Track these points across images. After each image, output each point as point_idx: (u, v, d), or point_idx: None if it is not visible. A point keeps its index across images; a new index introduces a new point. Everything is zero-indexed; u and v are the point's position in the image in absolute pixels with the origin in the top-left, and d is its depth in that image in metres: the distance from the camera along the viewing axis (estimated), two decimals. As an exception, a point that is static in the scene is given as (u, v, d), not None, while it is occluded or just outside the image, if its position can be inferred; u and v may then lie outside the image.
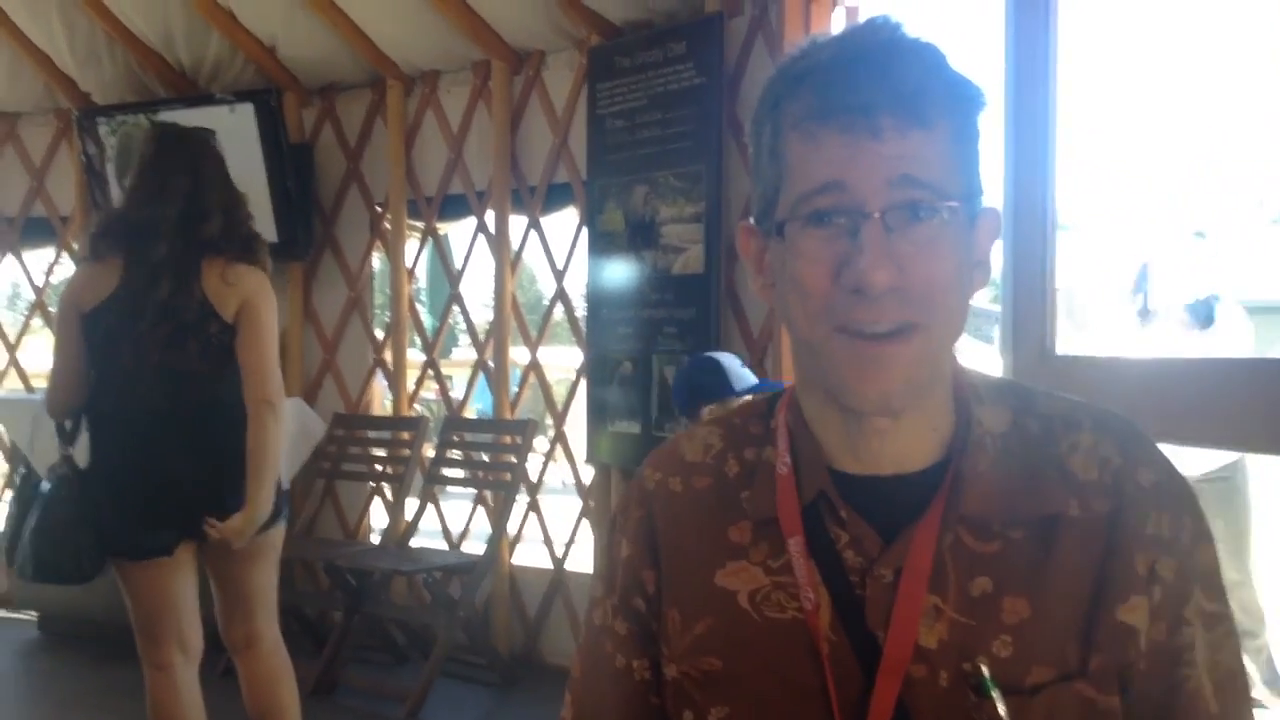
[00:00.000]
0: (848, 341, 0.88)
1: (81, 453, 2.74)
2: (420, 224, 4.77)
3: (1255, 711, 0.95)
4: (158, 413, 2.62)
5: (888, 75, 0.86)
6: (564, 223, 4.47)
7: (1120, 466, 0.93)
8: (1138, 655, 0.90)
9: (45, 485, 2.72)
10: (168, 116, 4.79)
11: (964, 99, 0.90)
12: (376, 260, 5.06)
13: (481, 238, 4.58)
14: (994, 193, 1.01)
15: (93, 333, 2.62)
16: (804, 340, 0.93)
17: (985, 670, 0.88)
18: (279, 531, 2.79)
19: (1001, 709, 0.87)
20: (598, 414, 4.10)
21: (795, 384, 1.01)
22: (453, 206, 4.70)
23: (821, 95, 0.87)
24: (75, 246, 5.40)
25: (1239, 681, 0.94)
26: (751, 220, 0.97)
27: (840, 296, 0.87)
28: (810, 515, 0.94)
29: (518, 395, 4.74)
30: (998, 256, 0.97)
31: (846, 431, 0.94)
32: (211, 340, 2.63)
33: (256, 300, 2.67)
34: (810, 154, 0.88)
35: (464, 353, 8.01)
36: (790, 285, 0.91)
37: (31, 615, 4.87)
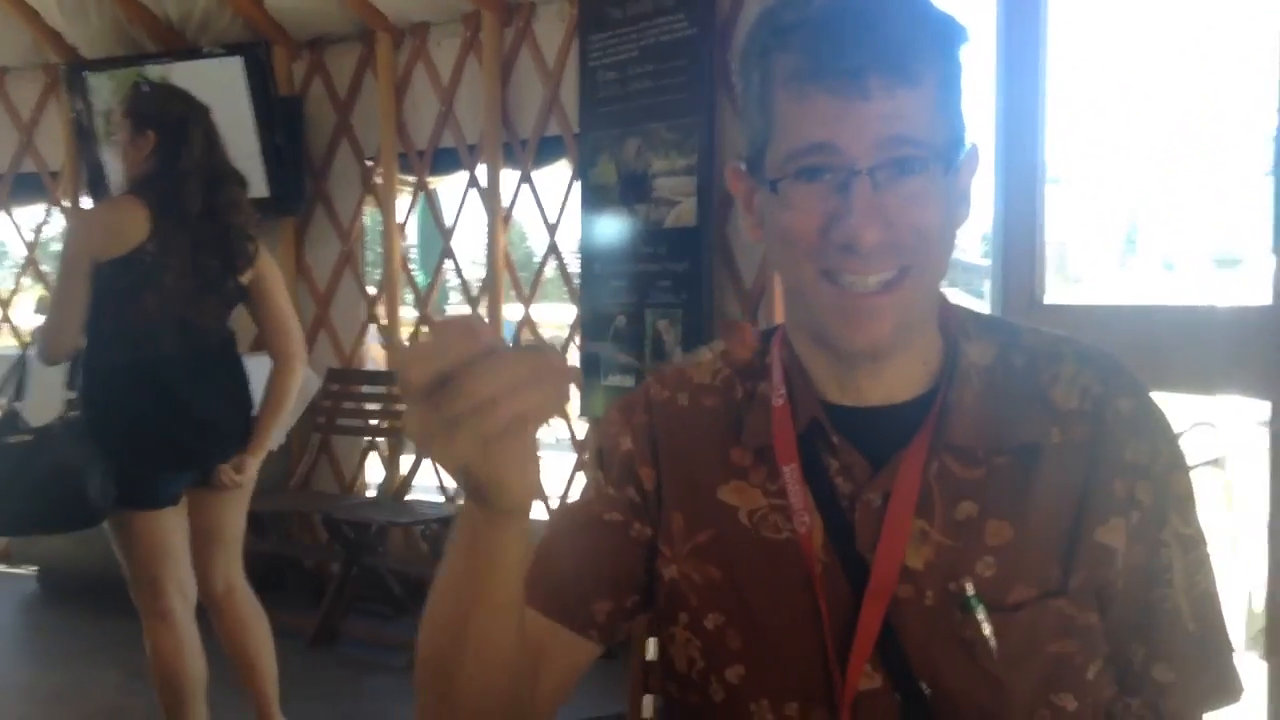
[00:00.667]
0: (835, 290, 0.91)
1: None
2: (411, 179, 4.77)
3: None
4: (177, 363, 2.70)
5: (875, 32, 0.87)
6: (556, 177, 4.48)
7: (1100, 395, 0.96)
8: (1116, 575, 0.94)
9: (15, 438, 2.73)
10: (156, 70, 4.77)
11: (949, 42, 0.92)
12: (367, 216, 5.06)
13: (473, 192, 4.58)
14: (985, 146, 1.04)
15: (112, 281, 2.64)
16: (793, 284, 0.96)
17: (970, 589, 0.92)
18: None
19: (985, 626, 0.91)
20: (591, 368, 4.13)
21: (787, 324, 1.04)
22: (444, 161, 4.69)
23: (811, 55, 0.89)
24: (65, 202, 5.39)
25: (1214, 602, 0.98)
26: (741, 163, 1.00)
27: (829, 250, 0.90)
28: (804, 444, 0.98)
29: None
30: (979, 195, 1.00)
31: (836, 371, 0.98)
32: (228, 298, 2.77)
33: (265, 263, 2.84)
34: (799, 113, 0.90)
35: (456, 310, 8.01)
36: (780, 233, 0.93)
37: (31, 570, 4.92)
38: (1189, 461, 1.00)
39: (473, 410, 0.66)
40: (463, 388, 0.65)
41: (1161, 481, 0.96)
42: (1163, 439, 0.97)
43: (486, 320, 4.39)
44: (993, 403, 0.97)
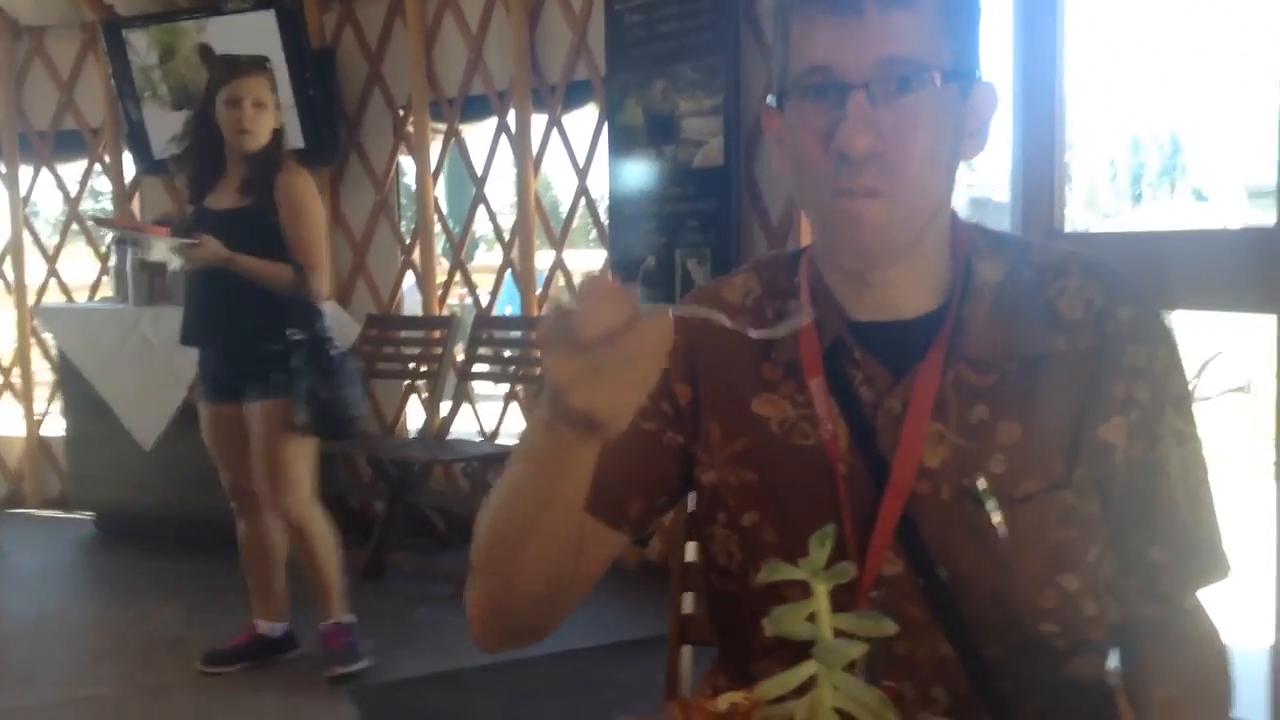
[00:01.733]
0: (837, 203, 0.99)
1: None
2: (442, 126, 4.84)
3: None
4: None
5: None
6: (584, 121, 4.54)
7: (1103, 306, 1.04)
8: (1116, 468, 1.02)
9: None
10: (191, 26, 4.86)
11: None
12: (400, 164, 5.14)
13: (503, 139, 4.65)
14: (1003, 76, 1.11)
15: None
16: (808, 204, 1.04)
17: (982, 484, 1.00)
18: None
19: (996, 516, 1.00)
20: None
21: (813, 245, 1.12)
22: (474, 108, 4.75)
23: None
24: (106, 158, 5.51)
25: (1206, 491, 1.06)
26: (770, 99, 1.08)
27: (830, 162, 0.97)
28: (829, 357, 1.06)
29: (544, 295, 4.85)
30: (1000, 132, 1.07)
31: (851, 286, 1.06)
32: None
33: None
34: (806, 36, 0.99)
35: (485, 259, 8.07)
36: (794, 155, 1.02)
37: (88, 515, 5.10)
38: (1209, 381, 1.07)
39: (625, 361, 0.81)
40: (619, 344, 0.80)
41: (1159, 382, 1.03)
42: (1161, 343, 1.05)
43: (519, 266, 4.47)
44: (1004, 315, 1.04)
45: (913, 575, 1.01)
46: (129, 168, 5.42)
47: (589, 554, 1.09)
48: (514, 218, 4.78)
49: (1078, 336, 1.03)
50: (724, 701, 0.88)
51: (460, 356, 4.83)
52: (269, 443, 3.19)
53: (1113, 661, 1.09)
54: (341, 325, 4.94)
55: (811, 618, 0.72)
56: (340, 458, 4.96)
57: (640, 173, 4.09)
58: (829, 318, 1.07)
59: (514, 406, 4.74)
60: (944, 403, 1.02)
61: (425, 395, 4.85)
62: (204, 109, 3.20)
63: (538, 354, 4.42)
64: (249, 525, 3.39)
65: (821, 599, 0.69)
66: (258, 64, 3.22)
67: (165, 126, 5.05)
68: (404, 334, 5.03)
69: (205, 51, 3.43)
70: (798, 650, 0.99)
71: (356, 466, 4.94)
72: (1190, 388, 1.07)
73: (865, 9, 0.95)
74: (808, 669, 0.71)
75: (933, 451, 1.02)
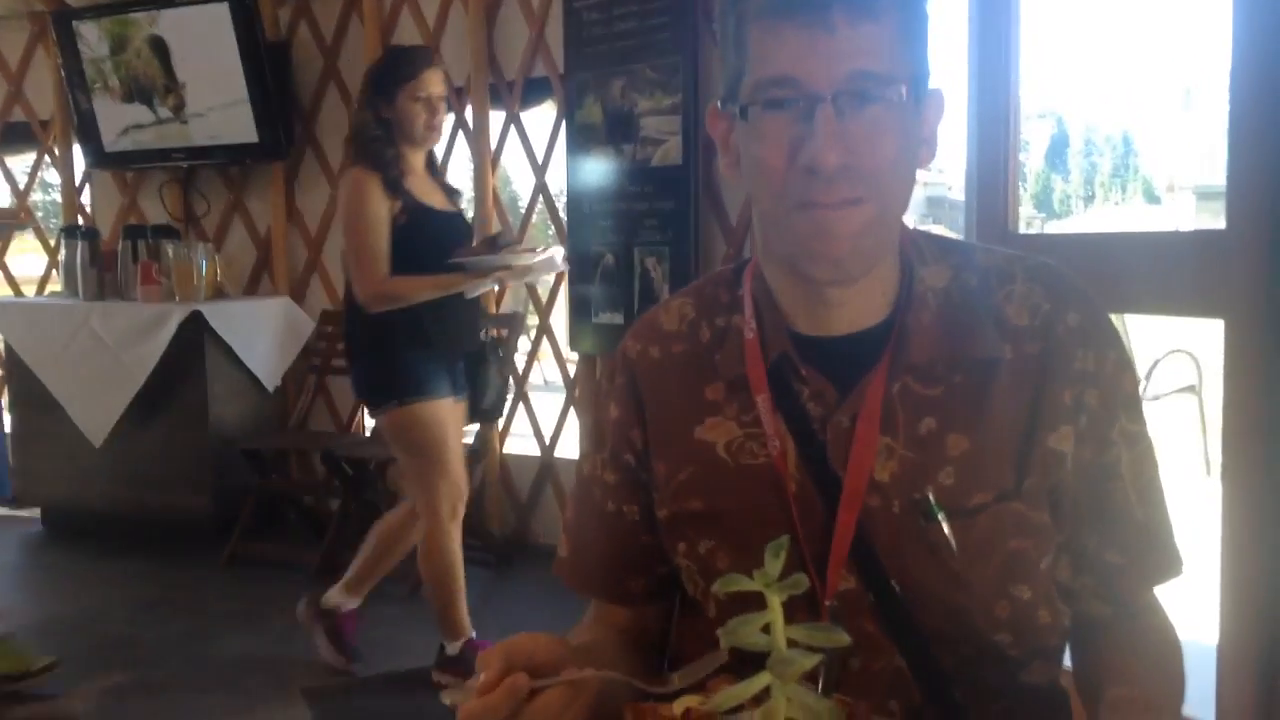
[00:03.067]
0: (805, 214, 0.98)
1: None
2: (400, 121, 4.80)
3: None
4: None
5: None
6: (542, 118, 4.52)
7: (1049, 311, 1.04)
8: (1065, 476, 1.03)
9: None
10: (144, 17, 4.79)
11: None
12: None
13: (460, 135, 4.62)
14: (958, 79, 1.11)
15: None
16: (767, 216, 1.03)
17: (931, 497, 1.00)
18: (386, 419, 3.06)
19: (945, 528, 1.00)
20: (581, 307, 4.21)
21: (758, 256, 1.11)
22: (431, 103, 4.72)
23: None
24: (56, 151, 5.42)
25: (1158, 490, 1.07)
26: (718, 103, 1.07)
27: (796, 176, 0.96)
28: (775, 373, 1.06)
29: (501, 291, 4.84)
30: (946, 136, 1.07)
31: (805, 300, 1.05)
32: None
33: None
34: (769, 46, 0.97)
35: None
36: (753, 165, 1.01)
37: (34, 512, 5.01)
38: (1156, 381, 1.09)
39: None
40: None
41: (1109, 385, 1.04)
42: (1109, 345, 1.05)
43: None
44: (949, 322, 1.04)
45: (865, 590, 1.01)
46: (79, 160, 5.34)
47: (632, 623, 1.17)
48: (471, 213, 4.75)
49: (1024, 343, 1.03)
50: (679, 706, 0.88)
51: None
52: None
53: (1066, 662, 1.09)
54: (296, 321, 4.90)
55: (766, 629, 0.71)
56: (295, 455, 4.92)
57: (599, 170, 4.09)
58: (773, 332, 1.07)
59: (471, 404, 4.72)
60: (892, 415, 1.02)
61: (381, 392, 4.80)
62: (374, 103, 3.03)
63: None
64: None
65: (776, 610, 0.69)
66: (435, 56, 3.16)
67: (116, 118, 4.99)
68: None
69: (393, 51, 3.23)
70: (755, 668, 0.99)
71: (311, 464, 4.90)
72: (1140, 388, 1.08)
73: (835, 23, 0.94)
74: (762, 680, 0.71)
75: (882, 465, 1.01)
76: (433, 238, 3.03)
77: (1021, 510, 1.01)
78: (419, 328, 2.97)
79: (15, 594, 4.36)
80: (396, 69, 3.04)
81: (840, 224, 0.97)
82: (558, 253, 3.19)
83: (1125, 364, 1.06)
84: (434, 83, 3.02)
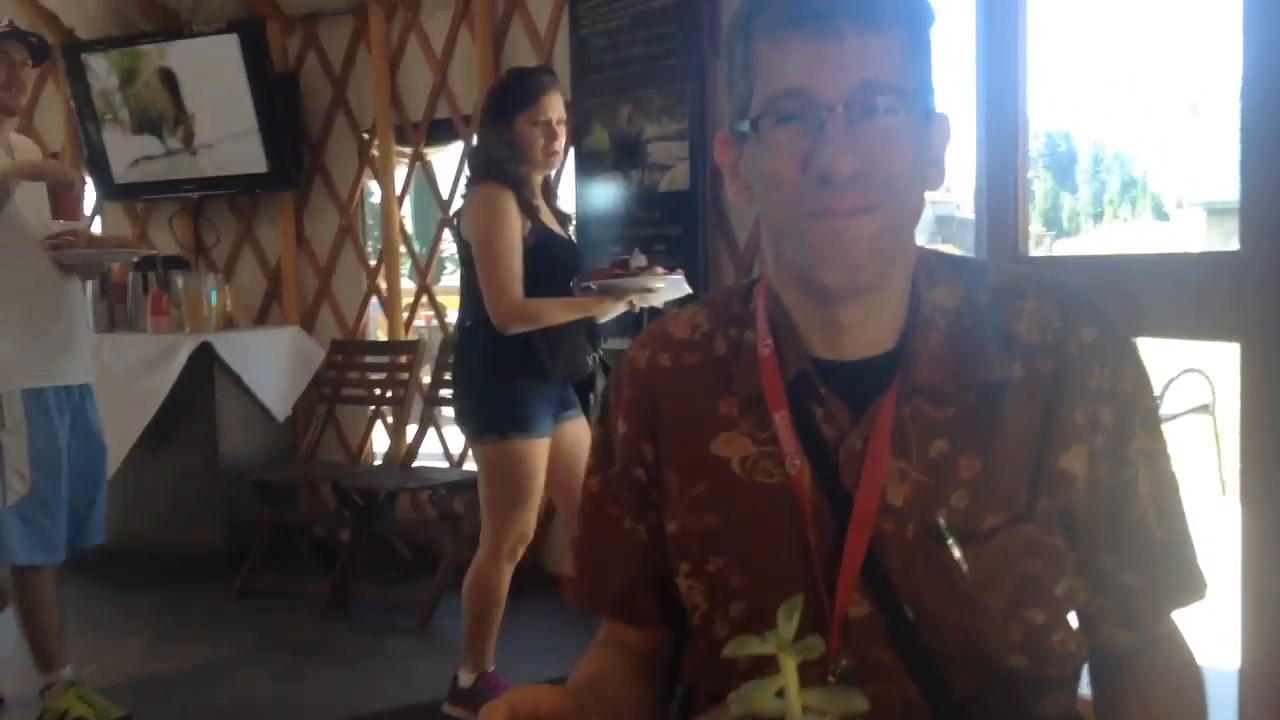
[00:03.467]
0: (819, 222, 0.97)
1: None
2: (408, 150, 4.82)
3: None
4: None
5: None
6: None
7: (1061, 328, 1.03)
8: (1078, 497, 1.01)
9: None
10: (153, 49, 4.82)
11: (916, 11, 1.00)
12: (365, 188, 5.11)
13: (468, 162, 4.62)
14: (966, 99, 1.11)
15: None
16: (779, 228, 1.02)
17: (942, 521, 0.99)
18: (482, 449, 3.01)
19: (957, 553, 0.98)
20: (588, 332, 4.19)
21: (771, 276, 1.10)
22: (439, 131, 4.73)
23: (789, 4, 0.97)
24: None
25: (1179, 509, 1.05)
26: (727, 130, 1.06)
27: (809, 185, 0.96)
28: (791, 392, 1.05)
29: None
30: (967, 156, 1.07)
31: (818, 321, 1.04)
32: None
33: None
34: (778, 60, 0.97)
35: (452, 280, 8.04)
36: (764, 179, 1.00)
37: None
38: (1170, 400, 1.06)
39: None
40: None
41: (1127, 402, 1.02)
42: (1127, 361, 1.03)
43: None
44: (958, 345, 1.03)
45: (878, 615, 1.00)
46: (90, 191, 5.36)
47: (649, 643, 1.15)
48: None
49: (1036, 361, 1.02)
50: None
51: (427, 381, 4.79)
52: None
53: (1084, 689, 1.07)
54: (306, 351, 4.90)
55: (780, 693, 0.69)
56: (305, 486, 4.91)
57: (607, 196, 4.09)
58: (791, 349, 1.06)
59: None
60: (904, 438, 1.01)
61: (391, 421, 4.80)
62: (495, 126, 2.99)
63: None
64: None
65: (790, 674, 0.67)
66: (555, 79, 3.11)
67: (126, 150, 5.02)
68: (369, 359, 4.99)
69: (512, 74, 3.19)
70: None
71: (321, 495, 4.88)
72: (1158, 405, 1.06)
73: (843, 32, 0.95)
74: None
75: (895, 489, 1.00)
76: (555, 264, 3.01)
77: (1035, 533, 1.00)
78: (535, 357, 2.93)
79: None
80: (515, 93, 3.00)
81: (853, 230, 0.97)
82: (681, 277, 3.14)
83: (1143, 380, 1.05)
84: (553, 107, 2.98)
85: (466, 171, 3.29)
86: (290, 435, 4.92)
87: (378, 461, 4.95)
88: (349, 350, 4.92)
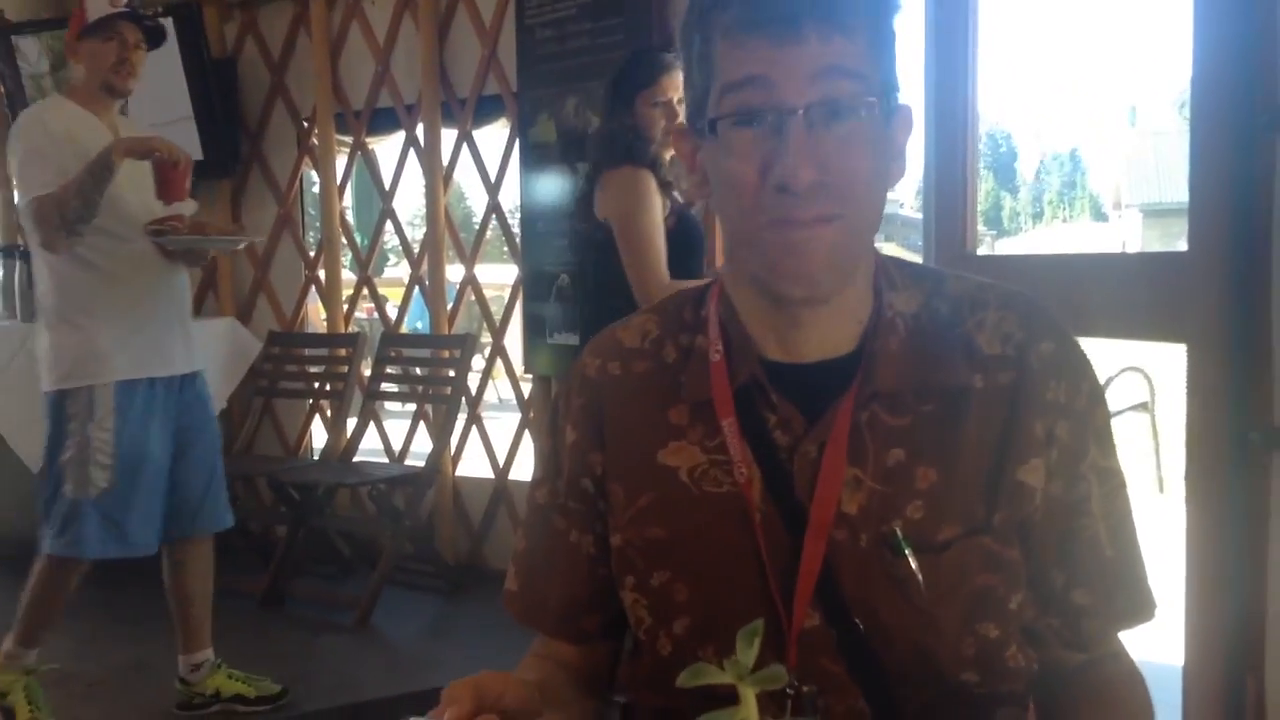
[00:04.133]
0: (777, 232, 0.94)
1: None
2: (349, 139, 4.73)
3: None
4: None
5: None
6: (495, 136, 4.47)
7: (1022, 340, 1.01)
8: (1034, 510, 0.99)
9: None
10: (84, 31, 4.67)
11: (882, 3, 0.96)
12: (304, 177, 5.01)
13: (412, 153, 4.56)
14: (915, 99, 1.08)
15: None
16: (737, 234, 1.00)
17: (899, 531, 0.97)
18: None
19: (913, 563, 0.96)
20: (535, 327, 4.15)
21: (725, 278, 1.07)
22: (382, 121, 4.66)
23: (748, 6, 0.92)
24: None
25: (1130, 528, 1.04)
26: (685, 123, 1.03)
27: (768, 193, 0.93)
28: (741, 399, 1.02)
29: (454, 310, 4.77)
30: (915, 154, 1.04)
31: (774, 323, 1.02)
32: None
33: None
34: (737, 56, 0.94)
35: (395, 272, 7.96)
36: (723, 183, 0.97)
37: None
38: (1109, 399, 1.05)
39: None
40: None
41: (1081, 417, 1.01)
42: (1083, 377, 1.02)
43: (428, 281, 4.37)
44: (918, 350, 1.01)
45: (829, 628, 0.97)
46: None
47: (587, 661, 1.13)
48: (422, 231, 4.69)
49: (995, 373, 1.00)
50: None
51: (367, 374, 4.71)
52: None
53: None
54: (242, 342, 4.80)
55: None
56: (240, 481, 4.80)
57: (553, 189, 4.04)
58: (741, 355, 1.03)
59: (422, 426, 4.64)
60: (860, 446, 0.98)
61: (330, 415, 4.72)
62: (616, 109, 2.94)
63: (448, 372, 4.33)
64: None
65: (750, 705, 0.63)
66: (673, 59, 3.00)
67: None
68: (308, 351, 4.89)
69: (632, 56, 3.12)
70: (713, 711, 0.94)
71: (258, 489, 4.78)
72: (1111, 422, 1.05)
73: (804, 33, 0.91)
74: None
75: (850, 497, 0.98)
76: (694, 242, 3.02)
77: (990, 545, 0.98)
78: None
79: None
80: (634, 75, 2.98)
81: (813, 241, 0.94)
82: None
83: (1098, 397, 1.03)
84: (673, 87, 2.92)
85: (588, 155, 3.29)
86: (225, 429, 4.80)
87: (316, 456, 4.86)
88: (286, 342, 4.82)
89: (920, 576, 0.96)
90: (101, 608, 4.10)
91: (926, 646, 0.97)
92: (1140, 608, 1.04)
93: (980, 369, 1.00)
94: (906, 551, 0.96)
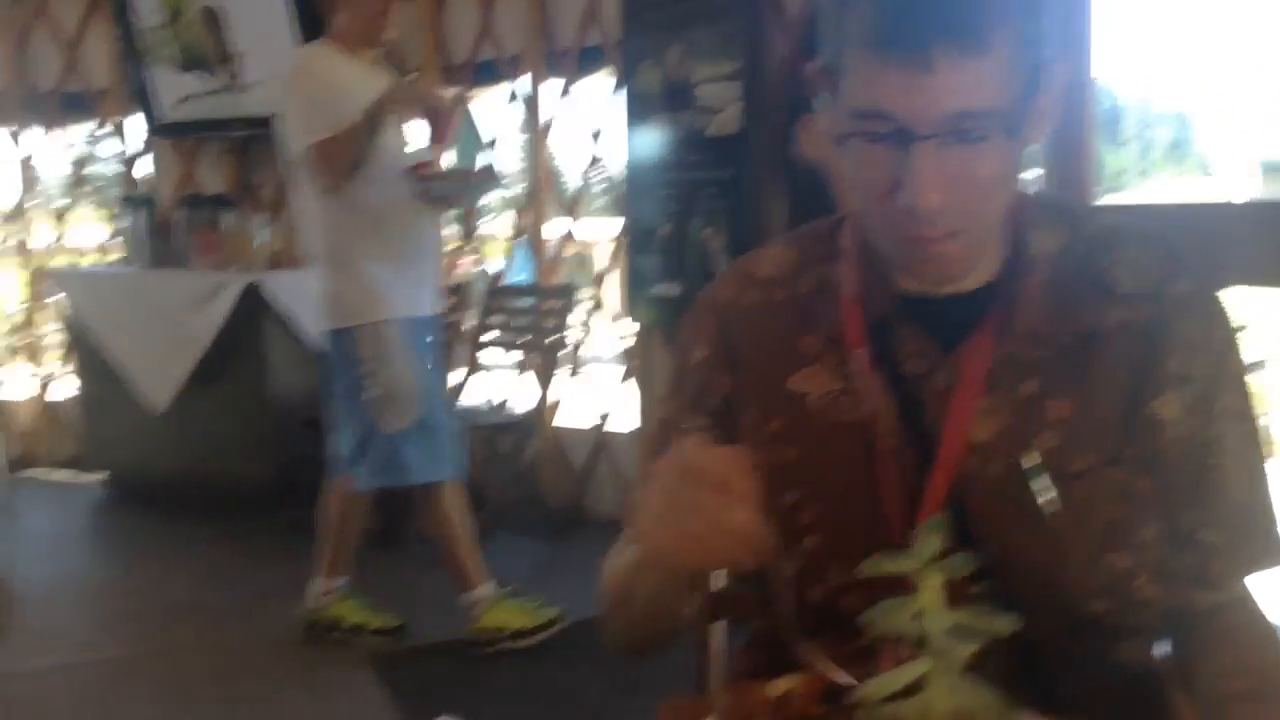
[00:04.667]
0: (908, 244, 0.98)
1: None
2: (453, 91, 4.79)
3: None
4: None
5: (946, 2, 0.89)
6: (598, 87, 4.49)
7: (1160, 278, 1.02)
8: (1168, 445, 1.01)
9: None
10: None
11: (1021, 10, 0.92)
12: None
13: (514, 105, 4.60)
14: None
15: None
16: (868, 225, 1.04)
17: (1031, 461, 0.98)
18: None
19: (1043, 495, 0.98)
20: (637, 279, 4.20)
21: (859, 213, 1.07)
22: (485, 73, 4.71)
23: (878, 25, 0.91)
24: (113, 120, 5.47)
25: (1262, 474, 1.04)
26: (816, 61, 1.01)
27: (895, 212, 0.95)
28: (874, 329, 1.05)
29: (555, 262, 4.83)
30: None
31: (895, 258, 1.04)
32: None
33: None
34: (865, 79, 0.92)
35: (496, 226, 8.05)
36: (853, 183, 0.99)
37: (99, 475, 5.09)
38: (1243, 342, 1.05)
39: (710, 531, 0.87)
40: (716, 520, 0.86)
41: (1217, 358, 1.01)
42: (1218, 319, 1.03)
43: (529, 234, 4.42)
44: (1058, 288, 1.03)
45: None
46: (136, 130, 5.38)
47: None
48: (525, 184, 4.75)
49: (1133, 309, 1.01)
50: (777, 688, 0.87)
51: (472, 324, 4.81)
52: None
53: (1162, 647, 1.07)
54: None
55: (918, 614, 0.69)
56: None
57: (656, 139, 4.05)
58: (875, 287, 1.06)
59: (525, 378, 4.73)
60: (995, 378, 1.01)
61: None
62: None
63: (550, 323, 4.40)
64: None
65: (933, 593, 0.67)
66: None
67: (173, 88, 5.03)
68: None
69: None
70: (845, 633, 0.98)
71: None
72: (1245, 365, 1.05)
73: (934, 63, 0.89)
74: (917, 669, 0.68)
75: (982, 427, 1.00)
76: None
77: (1122, 477, 0.99)
78: None
79: (83, 557, 4.44)
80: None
81: (943, 254, 0.98)
82: None
83: (1233, 339, 1.04)
84: None
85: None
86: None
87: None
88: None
89: (1051, 507, 0.98)
90: (224, 542, 4.31)
91: (1054, 576, 0.99)
92: (1270, 552, 1.04)
93: (1118, 305, 1.02)
94: (1039, 481, 0.98)
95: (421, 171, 3.06)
